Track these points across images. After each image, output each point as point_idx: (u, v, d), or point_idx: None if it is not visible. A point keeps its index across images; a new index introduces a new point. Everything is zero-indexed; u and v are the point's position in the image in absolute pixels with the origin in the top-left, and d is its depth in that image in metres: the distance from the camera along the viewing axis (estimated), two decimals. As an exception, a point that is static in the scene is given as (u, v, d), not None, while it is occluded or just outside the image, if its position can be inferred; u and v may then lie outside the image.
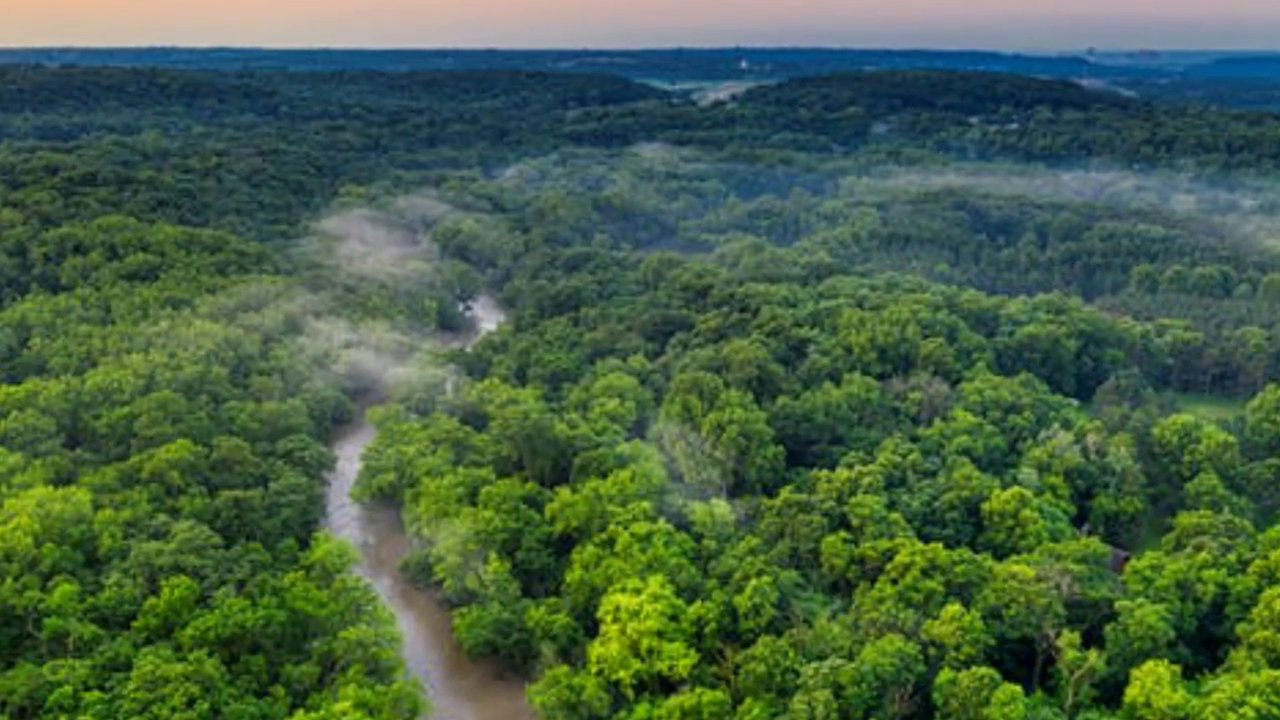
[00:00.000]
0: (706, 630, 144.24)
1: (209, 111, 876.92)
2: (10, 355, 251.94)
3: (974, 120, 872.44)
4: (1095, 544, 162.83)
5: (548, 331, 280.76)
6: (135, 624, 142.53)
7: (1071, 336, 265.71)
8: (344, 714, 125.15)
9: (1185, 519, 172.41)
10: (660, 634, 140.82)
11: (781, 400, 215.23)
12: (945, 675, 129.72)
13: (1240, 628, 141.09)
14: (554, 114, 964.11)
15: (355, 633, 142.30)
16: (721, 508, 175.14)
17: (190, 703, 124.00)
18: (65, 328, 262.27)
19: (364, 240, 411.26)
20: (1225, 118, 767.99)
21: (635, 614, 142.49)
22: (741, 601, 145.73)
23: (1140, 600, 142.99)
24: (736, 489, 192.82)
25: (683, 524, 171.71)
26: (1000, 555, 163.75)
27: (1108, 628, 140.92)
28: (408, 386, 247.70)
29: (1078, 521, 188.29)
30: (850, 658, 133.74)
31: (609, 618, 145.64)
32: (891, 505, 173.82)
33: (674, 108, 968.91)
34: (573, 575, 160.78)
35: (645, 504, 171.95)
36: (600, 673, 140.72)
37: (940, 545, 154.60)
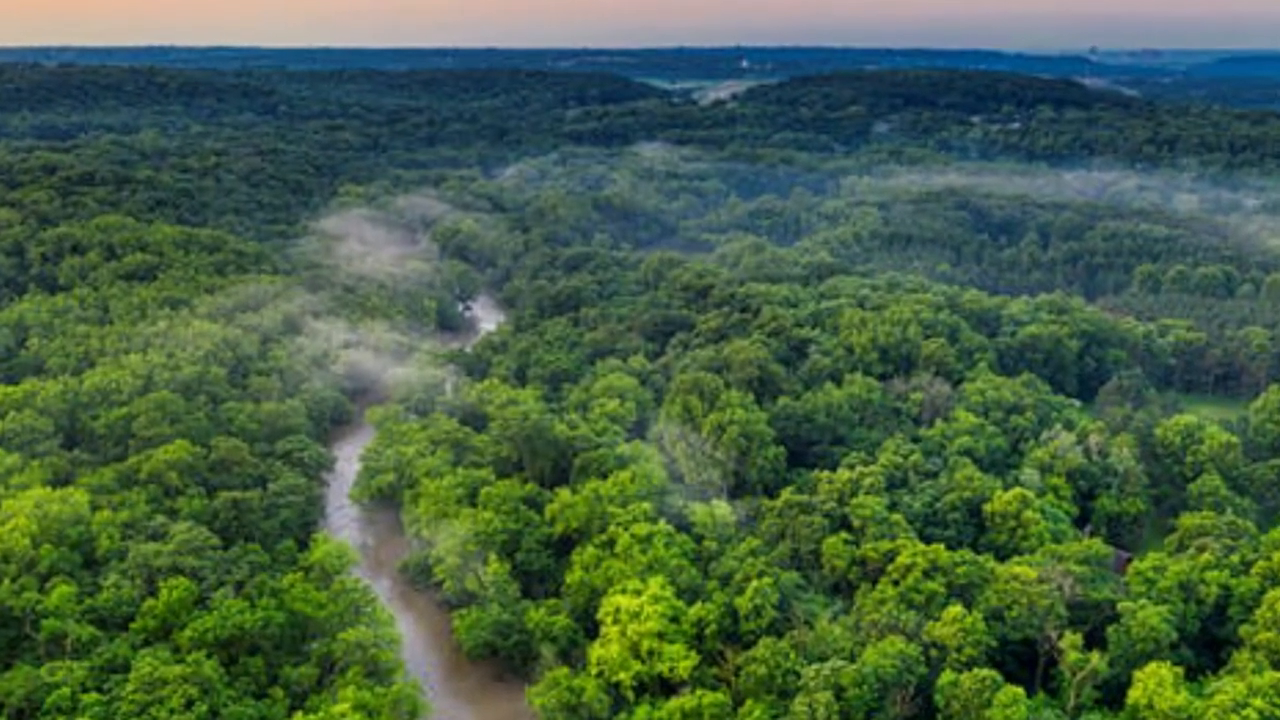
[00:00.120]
0: (707, 632, 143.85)
1: (207, 111, 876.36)
2: (8, 355, 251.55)
3: (976, 120, 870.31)
4: (1097, 545, 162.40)
5: (548, 332, 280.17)
6: (133, 625, 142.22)
7: (1074, 337, 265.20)
8: (343, 716, 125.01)
9: (1188, 520, 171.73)
10: (661, 635, 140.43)
11: (782, 401, 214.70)
12: (947, 677, 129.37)
13: (1243, 629, 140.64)
14: (554, 113, 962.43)
15: (354, 634, 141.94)
16: (722, 509, 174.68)
17: (189, 704, 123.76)
18: (63, 328, 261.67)
19: (363, 240, 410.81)
20: (1228, 117, 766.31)
21: (635, 615, 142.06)
22: (742, 603, 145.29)
23: (1143, 602, 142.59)
24: (737, 490, 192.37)
25: (683, 525, 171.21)
26: (1002, 556, 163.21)
27: (1110, 629, 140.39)
28: (407, 387, 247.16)
29: (1080, 522, 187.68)
30: (851, 659, 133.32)
31: (609, 619, 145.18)
32: (893, 506, 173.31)
33: (674, 107, 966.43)
34: (573, 576, 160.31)
35: (646, 505, 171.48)
36: (600, 674, 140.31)
37: (942, 546, 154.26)
